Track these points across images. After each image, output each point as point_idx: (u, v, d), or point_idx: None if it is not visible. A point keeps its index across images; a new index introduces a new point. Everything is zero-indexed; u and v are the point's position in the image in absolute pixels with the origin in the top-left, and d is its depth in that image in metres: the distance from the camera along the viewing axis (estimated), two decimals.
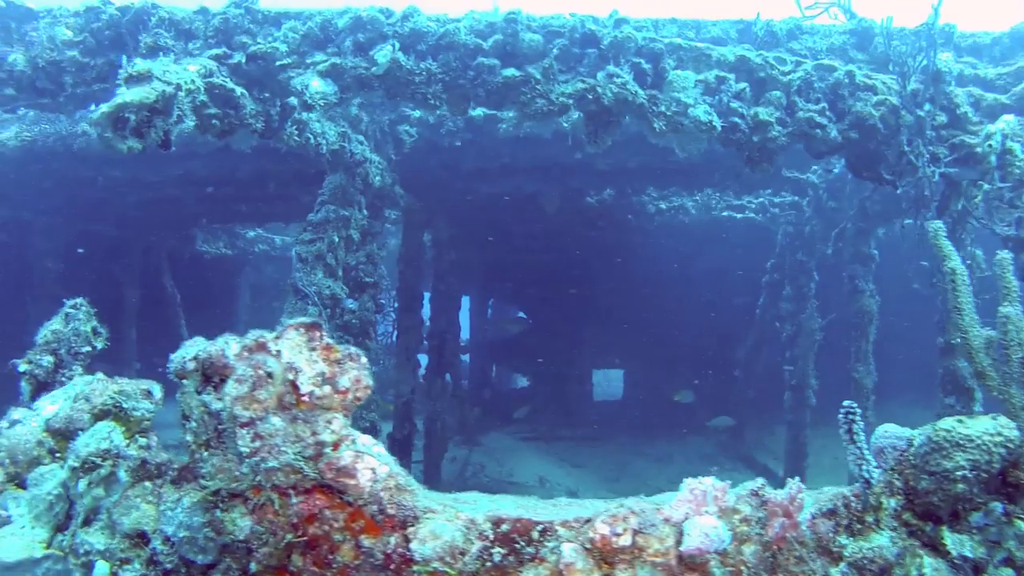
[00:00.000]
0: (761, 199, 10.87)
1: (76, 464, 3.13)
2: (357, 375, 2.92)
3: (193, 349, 3.03)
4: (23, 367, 4.24)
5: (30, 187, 9.34)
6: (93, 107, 8.23)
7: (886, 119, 5.79)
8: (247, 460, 2.72)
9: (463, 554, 2.72)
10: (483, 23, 5.68)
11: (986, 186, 5.64)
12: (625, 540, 2.77)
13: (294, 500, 2.77)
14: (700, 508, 2.92)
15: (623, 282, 11.97)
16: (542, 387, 12.73)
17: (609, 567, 2.76)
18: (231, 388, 2.79)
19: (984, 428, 2.86)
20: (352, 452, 2.78)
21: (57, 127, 8.68)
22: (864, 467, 3.06)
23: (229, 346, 2.94)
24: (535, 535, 2.80)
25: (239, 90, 5.39)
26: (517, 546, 2.77)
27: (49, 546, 3.10)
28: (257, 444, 2.73)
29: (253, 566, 2.80)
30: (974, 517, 2.90)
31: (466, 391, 12.41)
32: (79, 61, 6.11)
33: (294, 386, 2.86)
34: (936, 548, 2.94)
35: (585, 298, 12.46)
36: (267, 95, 6.02)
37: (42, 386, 4.26)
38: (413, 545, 2.71)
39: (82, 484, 3.10)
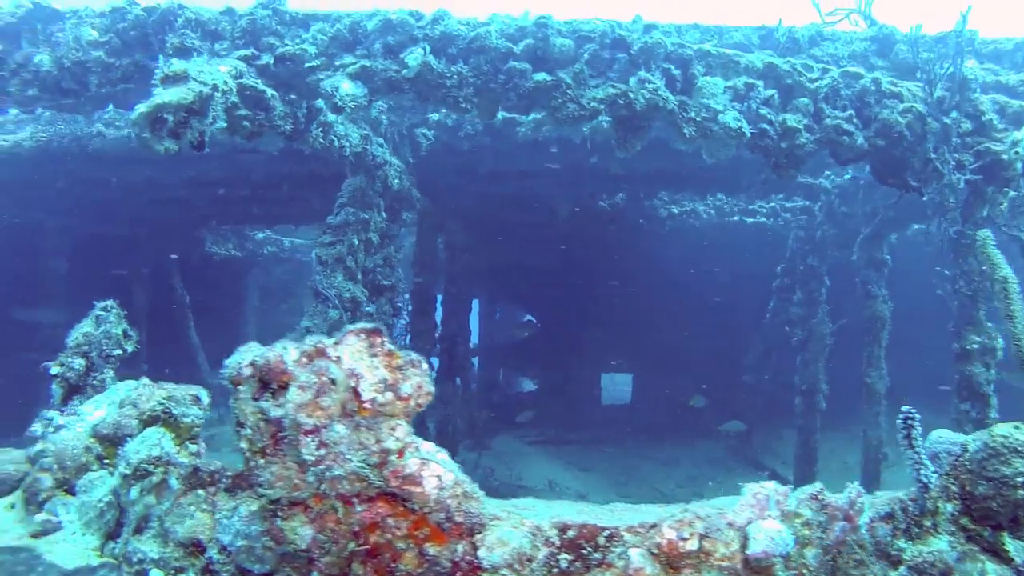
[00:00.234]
0: (773, 203, 10.90)
1: (127, 471, 3.09)
2: (419, 381, 2.90)
3: (249, 355, 2.99)
4: (55, 370, 4.20)
5: (44, 187, 9.26)
6: (111, 107, 8.22)
7: (912, 126, 5.82)
8: (312, 468, 2.69)
9: (530, 560, 2.71)
10: (513, 27, 5.67)
11: (1012, 193, 5.67)
12: (692, 545, 2.77)
13: (359, 508, 2.74)
14: (763, 512, 2.93)
15: (632, 286, 11.99)
16: (550, 391, 12.72)
17: (676, 572, 2.76)
18: (294, 395, 2.75)
19: None
20: (418, 460, 2.76)
21: (73, 128, 8.62)
22: (922, 472, 3.07)
23: (288, 352, 2.91)
24: (601, 541, 2.79)
25: (270, 92, 5.36)
26: (584, 552, 2.76)
27: (101, 553, 3.06)
28: (322, 452, 2.70)
29: (315, 575, 2.77)
30: None
31: (475, 394, 12.39)
32: (104, 61, 6.08)
33: (356, 393, 2.83)
34: (996, 554, 2.95)
35: (594, 302, 12.46)
36: (294, 97, 5.99)
37: (74, 389, 4.22)
38: (481, 552, 2.69)
39: (134, 492, 3.06)
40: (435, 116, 8.29)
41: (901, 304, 9.67)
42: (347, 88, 5.52)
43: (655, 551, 2.75)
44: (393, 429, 2.82)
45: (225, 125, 4.96)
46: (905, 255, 10.20)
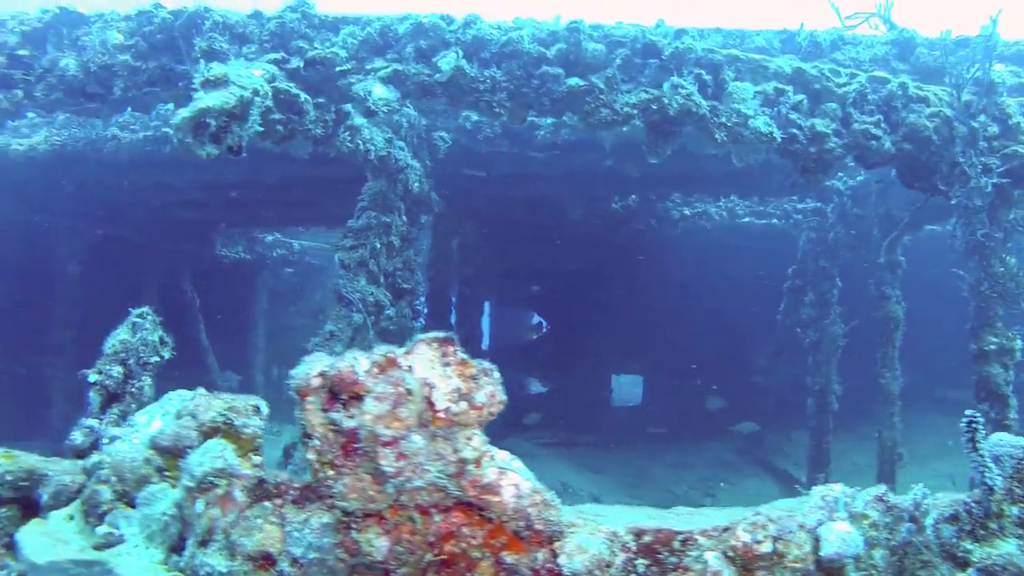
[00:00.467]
0: (785, 205, 10.96)
1: (192, 484, 3.05)
2: (492, 390, 2.89)
3: (317, 365, 2.97)
4: (93, 377, 4.17)
5: (57, 191, 9.18)
6: (129, 111, 8.13)
7: (940, 130, 5.86)
8: (391, 480, 2.68)
9: (609, 566, 2.72)
10: (545, 32, 5.68)
11: None
12: (766, 547, 2.80)
13: (436, 519, 2.73)
14: (832, 514, 2.97)
15: (643, 287, 12.02)
16: (560, 393, 12.73)
17: (750, 574, 2.79)
18: (371, 406, 2.74)
19: None
20: (496, 469, 2.75)
21: (87, 131, 8.54)
22: (987, 475, 3.09)
23: (359, 362, 2.89)
24: (676, 545, 2.81)
25: (303, 95, 5.34)
26: (660, 556, 2.79)
27: (166, 567, 3.03)
28: (402, 464, 2.68)
29: None
30: None
31: None
32: (131, 65, 6.04)
33: (430, 403, 2.82)
34: None
35: (604, 303, 12.48)
36: (322, 100, 5.97)
37: (112, 397, 4.19)
38: (561, 560, 2.69)
39: (199, 504, 3.03)
40: (467, 119, 8.25)
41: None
42: (380, 92, 5.50)
43: (730, 554, 2.78)
44: (469, 439, 2.81)
45: (262, 129, 4.93)
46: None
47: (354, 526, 2.83)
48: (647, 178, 9.23)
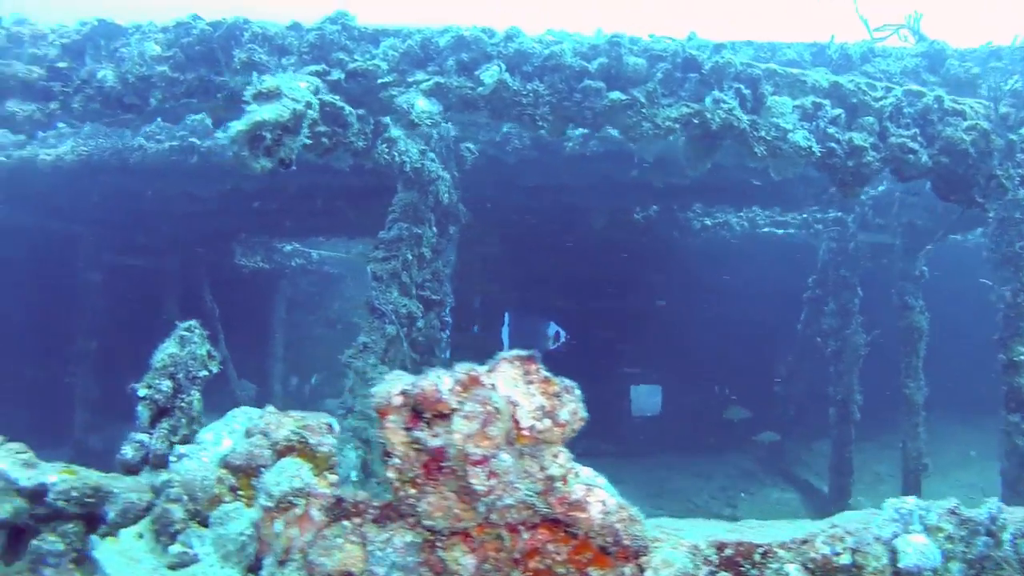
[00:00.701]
0: (805, 215, 10.99)
1: (270, 504, 3.04)
2: (575, 407, 2.90)
3: (399, 384, 2.96)
4: (143, 391, 4.15)
5: (82, 200, 9.19)
6: (160, 121, 8.15)
7: (977, 143, 5.89)
8: (483, 499, 2.67)
9: None
10: (586, 46, 5.70)
11: None
12: (844, 559, 2.82)
13: (525, 536, 2.73)
14: (907, 526, 2.97)
15: (662, 297, 12.03)
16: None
17: None
18: (460, 425, 2.74)
19: None
20: (583, 486, 2.76)
21: (113, 142, 8.55)
22: None
23: (442, 381, 2.89)
24: (757, 557, 2.83)
25: (348, 108, 5.35)
26: (742, 569, 2.80)
27: None
28: (493, 482, 2.68)
29: None
30: None
31: None
32: (169, 76, 6.04)
33: (514, 421, 2.83)
34: None
35: (623, 313, 12.49)
36: (363, 112, 5.98)
37: (162, 411, 4.17)
38: (648, 574, 2.70)
39: (278, 524, 3.01)
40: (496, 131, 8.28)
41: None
42: (422, 105, 5.51)
43: (810, 566, 2.80)
44: (555, 456, 2.81)
45: (310, 142, 4.95)
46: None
47: (439, 544, 2.83)
48: (671, 189, 9.26)
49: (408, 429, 2.95)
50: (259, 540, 3.09)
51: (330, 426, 3.31)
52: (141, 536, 3.28)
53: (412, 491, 2.92)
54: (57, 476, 3.70)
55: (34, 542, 3.53)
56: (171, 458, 3.48)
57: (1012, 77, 5.91)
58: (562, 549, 2.78)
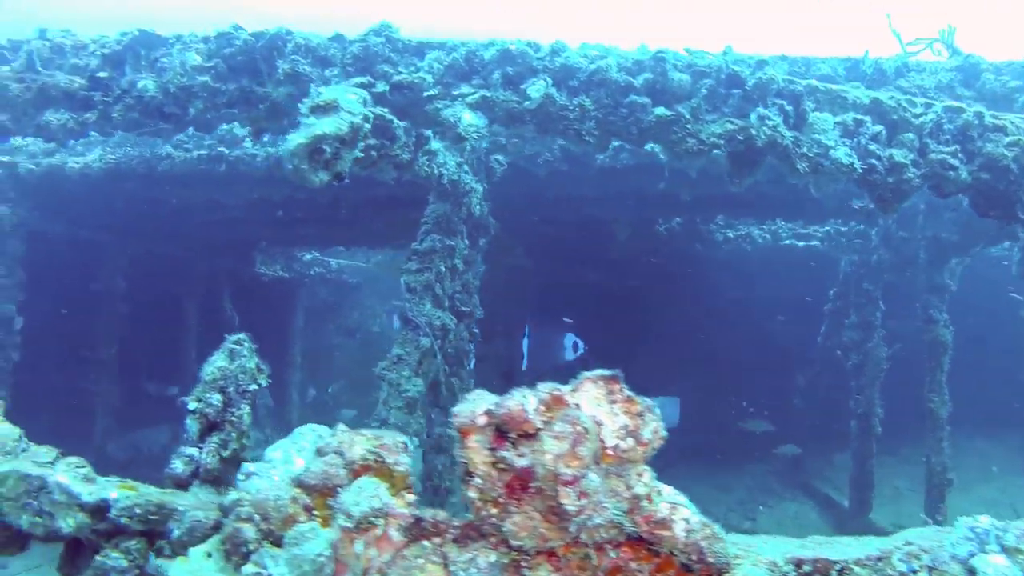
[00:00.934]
0: (828, 227, 11.01)
1: (349, 524, 3.02)
2: (656, 426, 2.91)
3: (482, 403, 2.96)
4: (193, 405, 4.12)
5: (107, 208, 9.19)
6: (192, 131, 8.15)
7: (1020, 159, 5.91)
8: (574, 519, 2.66)
9: None
10: (631, 61, 5.72)
11: None
12: None
13: (611, 554, 2.73)
14: (984, 546, 2.96)
15: (682, 309, 12.03)
16: None
17: None
18: (550, 445, 2.73)
19: None
20: (668, 504, 2.77)
21: (141, 150, 8.56)
22: None
23: (528, 400, 2.88)
24: (834, 574, 2.83)
25: (396, 121, 5.36)
26: None
27: None
28: (583, 502, 2.68)
29: None
30: None
31: None
32: (210, 86, 6.05)
33: (599, 440, 2.82)
34: None
35: (643, 324, 12.49)
36: (406, 125, 5.99)
37: (212, 425, 4.14)
38: None
39: (359, 545, 2.99)
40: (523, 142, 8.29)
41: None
42: (469, 119, 5.52)
43: None
44: (640, 475, 2.82)
45: (361, 155, 4.95)
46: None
47: (524, 564, 2.81)
48: (698, 201, 9.28)
49: (492, 449, 2.94)
50: (336, 561, 3.07)
51: (405, 445, 3.29)
52: (210, 555, 3.24)
53: (495, 511, 2.91)
54: (117, 492, 3.67)
55: (98, 558, 3.49)
56: (239, 476, 3.44)
57: None
58: (644, 567, 2.78)
